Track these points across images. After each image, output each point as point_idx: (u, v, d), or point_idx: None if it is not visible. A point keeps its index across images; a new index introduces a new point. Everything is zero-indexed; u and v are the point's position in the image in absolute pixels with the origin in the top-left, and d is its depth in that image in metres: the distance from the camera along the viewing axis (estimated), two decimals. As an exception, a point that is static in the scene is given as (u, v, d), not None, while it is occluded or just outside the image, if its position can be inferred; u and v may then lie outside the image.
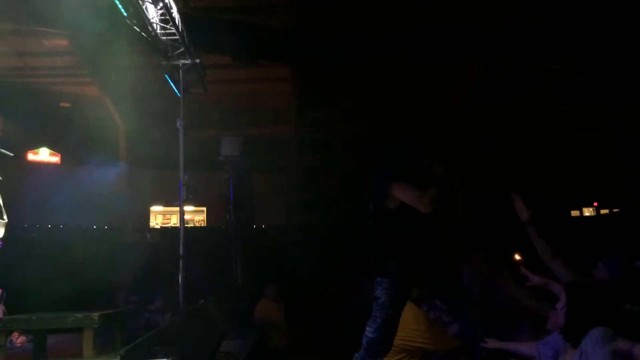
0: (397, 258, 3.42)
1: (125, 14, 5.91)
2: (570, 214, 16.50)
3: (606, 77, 11.92)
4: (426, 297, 4.26)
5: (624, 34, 9.48)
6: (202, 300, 4.54)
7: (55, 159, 13.41)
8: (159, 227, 15.05)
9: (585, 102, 13.70)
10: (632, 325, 2.64)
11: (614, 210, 16.41)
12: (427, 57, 10.00)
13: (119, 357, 3.87)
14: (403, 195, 3.44)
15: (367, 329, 3.45)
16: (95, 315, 4.87)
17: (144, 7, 5.92)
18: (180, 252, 6.46)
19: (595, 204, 16.86)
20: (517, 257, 7.13)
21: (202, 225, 15.52)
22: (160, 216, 15.70)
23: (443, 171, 3.54)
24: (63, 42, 9.78)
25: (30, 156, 13.05)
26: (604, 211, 16.74)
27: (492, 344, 3.32)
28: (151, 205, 15.46)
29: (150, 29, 6.25)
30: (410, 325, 3.71)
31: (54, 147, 13.32)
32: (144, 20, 6.07)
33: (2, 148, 4.58)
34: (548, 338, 2.87)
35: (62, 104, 12.20)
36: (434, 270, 3.52)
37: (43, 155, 13.24)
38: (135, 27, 6.13)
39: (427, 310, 4.45)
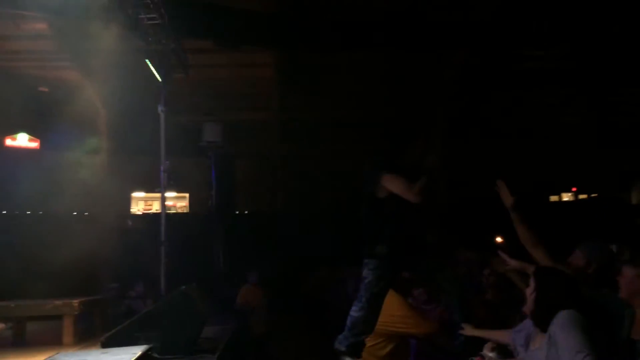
0: (384, 243, 3.55)
1: (104, -3, 5.81)
2: (549, 199, 16.75)
3: (592, 64, 12.04)
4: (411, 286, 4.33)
5: (612, 24, 9.55)
6: (183, 286, 4.53)
7: (35, 144, 13.21)
8: (140, 213, 14.95)
9: (569, 88, 13.84)
10: (600, 308, 2.71)
11: (592, 195, 16.69)
12: (412, 46, 9.98)
13: (100, 343, 3.87)
14: (392, 185, 3.57)
15: (353, 308, 3.59)
16: (75, 302, 4.86)
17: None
18: (162, 239, 6.44)
19: (574, 189, 17.11)
20: (499, 239, 7.24)
21: (185, 211, 15.43)
22: (142, 202, 15.56)
23: (435, 161, 3.64)
24: (41, 26, 9.58)
25: (9, 142, 12.83)
26: (582, 196, 17.00)
27: (469, 331, 3.38)
28: (132, 192, 15.32)
29: (131, 12, 6.16)
30: (390, 311, 3.77)
31: (33, 132, 13.11)
32: (124, 4, 5.97)
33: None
34: (520, 325, 2.92)
35: (41, 89, 11.99)
36: (420, 256, 3.63)
37: (22, 140, 13.02)
38: (115, 11, 6.03)
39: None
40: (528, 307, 2.67)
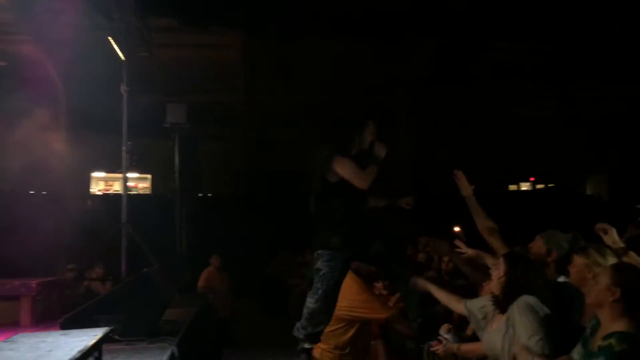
0: (337, 232, 3.50)
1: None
2: (508, 188, 17.18)
3: (554, 59, 12.33)
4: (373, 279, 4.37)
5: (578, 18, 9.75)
6: (145, 269, 4.50)
7: (-11, 120, 12.77)
8: (100, 193, 14.67)
9: (530, 80, 14.14)
10: (561, 295, 2.82)
11: (550, 185, 17.18)
12: (383, 34, 10.02)
13: (59, 325, 3.82)
14: (342, 169, 3.51)
15: (308, 299, 3.54)
16: (33, 282, 4.77)
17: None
18: (123, 220, 6.36)
19: (532, 179, 17.57)
20: (457, 229, 7.39)
21: (147, 192, 15.21)
22: (102, 182, 15.27)
23: (384, 149, 3.62)
24: (-2, -3, 9.23)
25: (-39, 117, 12.38)
26: (540, 186, 17.48)
27: (422, 284, 3.42)
28: (92, 171, 15.01)
29: (94, -12, 6.01)
30: (350, 295, 3.82)
31: (-13, 107, 12.67)
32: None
33: None
34: (479, 299, 3.02)
35: (-2, 62, 11.57)
36: (375, 243, 3.61)
37: (-25, 116, 12.59)
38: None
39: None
40: (494, 289, 2.77)
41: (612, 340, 2.13)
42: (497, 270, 2.79)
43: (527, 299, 2.59)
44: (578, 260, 2.76)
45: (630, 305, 2.20)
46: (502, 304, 2.72)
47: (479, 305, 2.97)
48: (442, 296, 3.32)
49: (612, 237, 2.83)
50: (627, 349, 2.08)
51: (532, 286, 2.66)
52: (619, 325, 2.17)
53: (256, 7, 9.05)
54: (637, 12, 8.81)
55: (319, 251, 3.54)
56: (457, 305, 3.13)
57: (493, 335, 2.71)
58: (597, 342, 2.21)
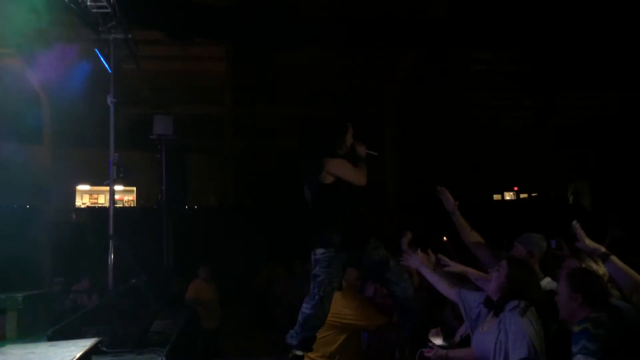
0: (338, 230, 3.50)
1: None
2: (492, 197, 17.34)
3: (537, 68, 12.54)
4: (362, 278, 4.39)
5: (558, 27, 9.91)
6: (133, 280, 4.50)
7: (-27, 134, 12.65)
8: (85, 206, 14.57)
9: (514, 91, 14.35)
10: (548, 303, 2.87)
11: (533, 194, 17.38)
12: (365, 44, 10.12)
13: (47, 337, 3.80)
14: (339, 170, 3.55)
15: (304, 305, 3.54)
16: (19, 296, 4.74)
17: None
18: (110, 232, 6.33)
19: (516, 188, 17.75)
20: (444, 238, 7.43)
21: (132, 205, 15.15)
22: (87, 195, 15.19)
23: (364, 147, 3.69)
24: (-19, 10, 9.19)
25: (-56, 130, 12.24)
26: (523, 195, 17.66)
27: (416, 263, 3.46)
28: (77, 185, 14.91)
29: (80, 0, 6.02)
30: (340, 302, 3.84)
31: (-29, 121, 12.55)
32: (73, -9, 5.83)
33: None
34: (476, 293, 3.04)
35: (-20, 77, 11.49)
36: (369, 247, 3.62)
37: (-41, 129, 12.45)
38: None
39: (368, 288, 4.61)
40: (492, 293, 2.80)
41: (575, 327, 2.39)
42: (498, 273, 2.81)
43: (519, 303, 2.60)
44: (571, 263, 2.82)
45: (593, 305, 2.42)
46: (498, 308, 2.75)
47: (475, 299, 2.98)
48: (434, 278, 3.31)
49: (588, 241, 2.88)
50: (589, 327, 2.34)
51: (529, 295, 2.68)
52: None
53: (241, 20, 9.11)
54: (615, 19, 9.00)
55: (317, 256, 3.51)
56: (448, 290, 3.13)
57: (485, 338, 2.73)
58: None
